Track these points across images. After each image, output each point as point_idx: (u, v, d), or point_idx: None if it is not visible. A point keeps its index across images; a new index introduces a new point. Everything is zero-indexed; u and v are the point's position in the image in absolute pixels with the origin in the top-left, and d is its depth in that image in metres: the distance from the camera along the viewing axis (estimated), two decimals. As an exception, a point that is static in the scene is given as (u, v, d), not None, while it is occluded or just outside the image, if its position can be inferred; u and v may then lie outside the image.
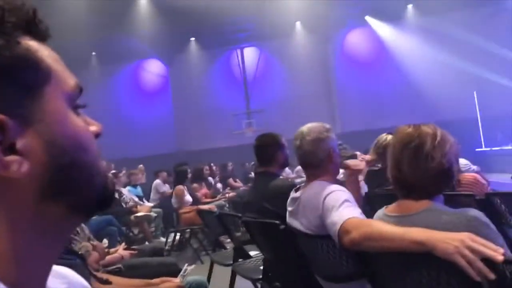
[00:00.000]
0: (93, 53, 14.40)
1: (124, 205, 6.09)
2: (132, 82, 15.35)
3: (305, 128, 1.91)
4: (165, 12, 11.90)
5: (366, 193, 3.00)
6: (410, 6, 13.03)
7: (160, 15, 12.16)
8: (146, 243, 5.57)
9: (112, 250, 2.83)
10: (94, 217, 5.17)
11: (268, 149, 2.54)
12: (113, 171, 7.88)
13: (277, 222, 1.93)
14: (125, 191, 6.70)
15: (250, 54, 14.88)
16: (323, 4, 11.90)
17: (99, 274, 1.89)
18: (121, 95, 15.07)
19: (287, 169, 7.68)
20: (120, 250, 2.77)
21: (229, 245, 4.19)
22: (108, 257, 2.59)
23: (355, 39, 14.13)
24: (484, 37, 11.60)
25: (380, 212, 1.50)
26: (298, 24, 13.82)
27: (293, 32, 14.02)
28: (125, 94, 15.10)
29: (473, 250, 1.07)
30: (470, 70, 11.65)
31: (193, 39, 14.39)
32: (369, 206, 2.33)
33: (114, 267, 2.50)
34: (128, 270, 2.47)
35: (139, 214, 5.98)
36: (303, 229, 1.80)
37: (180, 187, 5.62)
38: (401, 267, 1.33)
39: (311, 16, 12.66)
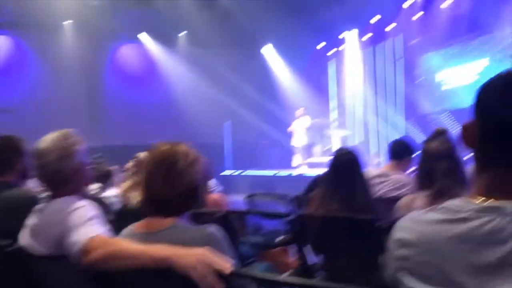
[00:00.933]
0: None
1: None
2: None
3: (49, 137, 1.68)
4: None
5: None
6: (183, 34, 13.94)
7: None
8: None
9: None
10: None
11: (3, 155, 2.13)
12: None
13: (5, 242, 1.62)
14: None
15: (3, 42, 12.54)
16: (100, 11, 11.38)
17: None
18: None
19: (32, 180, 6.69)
20: None
21: None
22: None
23: (129, 54, 14.00)
24: (240, 76, 13.50)
25: (127, 230, 1.47)
26: (68, 23, 12.61)
27: (62, 30, 12.69)
28: None
29: (207, 264, 1.17)
30: (226, 102, 13.32)
31: None
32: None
33: None
34: None
35: None
36: (41, 249, 1.57)
37: None
38: (144, 285, 1.32)
39: (85, 20, 11.85)
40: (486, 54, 10.04)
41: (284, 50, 13.89)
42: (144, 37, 13.61)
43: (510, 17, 9.05)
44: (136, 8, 12.23)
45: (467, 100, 10.01)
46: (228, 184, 11.56)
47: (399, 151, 3.10)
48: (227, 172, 12.84)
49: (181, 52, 13.76)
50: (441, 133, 2.00)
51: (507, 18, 9.08)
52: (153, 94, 13.50)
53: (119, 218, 2.45)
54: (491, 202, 0.72)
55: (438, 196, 1.81)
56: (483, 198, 0.73)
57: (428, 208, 0.80)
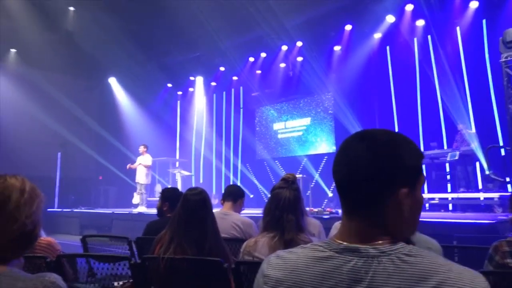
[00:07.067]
0: None
1: None
2: None
3: None
4: None
5: None
6: (13, 51, 12.25)
7: None
8: None
9: None
10: None
11: None
12: None
13: None
14: None
15: None
16: None
17: None
18: None
19: None
20: None
21: None
22: None
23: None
24: (78, 105, 12.41)
25: None
26: None
27: None
28: None
29: None
30: (59, 132, 11.96)
31: None
32: None
33: None
34: None
35: None
36: None
37: None
38: None
39: None
40: (311, 112, 11.72)
41: (131, 85, 13.47)
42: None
43: (330, 84, 10.85)
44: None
45: (296, 149, 11.34)
46: (56, 223, 10.20)
47: (235, 194, 3.36)
48: (55, 209, 11.37)
49: (11, 70, 11.95)
50: (290, 182, 2.10)
51: (328, 84, 10.86)
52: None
53: None
54: (348, 244, 0.81)
55: (286, 244, 1.94)
56: (342, 241, 0.83)
57: (298, 247, 0.89)
